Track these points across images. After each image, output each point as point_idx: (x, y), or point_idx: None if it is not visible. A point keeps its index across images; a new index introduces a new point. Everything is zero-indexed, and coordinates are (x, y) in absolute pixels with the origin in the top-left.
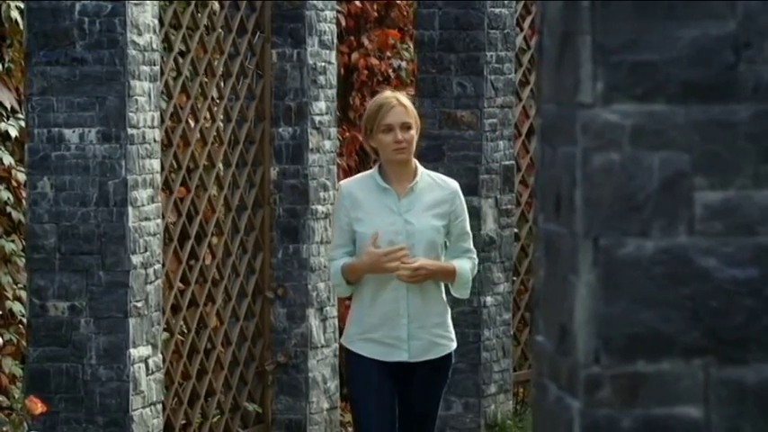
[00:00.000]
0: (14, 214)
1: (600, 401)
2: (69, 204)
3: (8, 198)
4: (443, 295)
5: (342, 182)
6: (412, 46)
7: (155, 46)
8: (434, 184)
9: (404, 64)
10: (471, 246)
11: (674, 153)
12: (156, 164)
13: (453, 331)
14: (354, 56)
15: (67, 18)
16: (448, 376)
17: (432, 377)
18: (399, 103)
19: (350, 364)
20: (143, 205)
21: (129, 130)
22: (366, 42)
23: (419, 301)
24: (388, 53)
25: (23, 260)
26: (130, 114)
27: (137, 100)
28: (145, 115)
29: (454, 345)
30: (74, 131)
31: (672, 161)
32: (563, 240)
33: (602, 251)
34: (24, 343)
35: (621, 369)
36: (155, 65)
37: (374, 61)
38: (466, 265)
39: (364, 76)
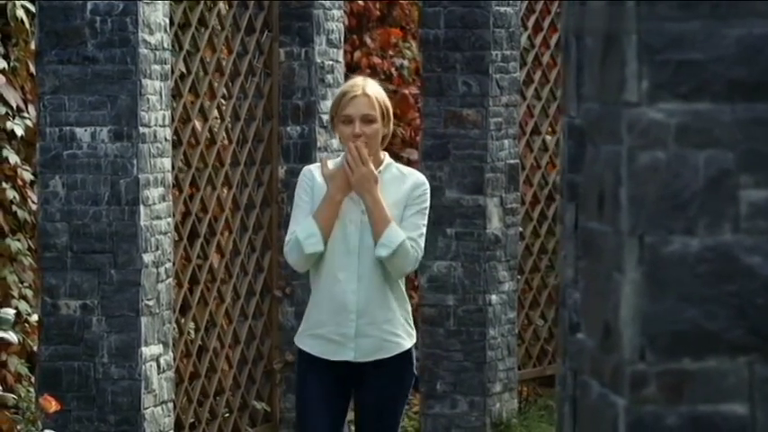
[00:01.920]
0: (20, 213)
1: (645, 399)
2: (81, 203)
3: (14, 197)
4: (402, 288)
5: (306, 166)
6: (414, 44)
7: (166, 45)
8: (400, 177)
9: (406, 62)
10: (419, 240)
11: (719, 151)
12: (167, 162)
13: (411, 327)
14: (357, 54)
15: (79, 17)
16: (405, 379)
17: (383, 380)
18: (364, 92)
19: (297, 362)
20: (154, 204)
21: (141, 129)
22: (368, 41)
23: (371, 295)
24: (391, 52)
25: (29, 259)
26: (142, 113)
27: (148, 99)
28: (156, 114)
29: (409, 343)
30: (85, 130)
31: (717, 159)
32: (606, 238)
33: (648, 249)
34: (30, 342)
35: (667, 366)
36: (166, 64)
37: (377, 60)
38: (402, 235)
39: (367, 75)
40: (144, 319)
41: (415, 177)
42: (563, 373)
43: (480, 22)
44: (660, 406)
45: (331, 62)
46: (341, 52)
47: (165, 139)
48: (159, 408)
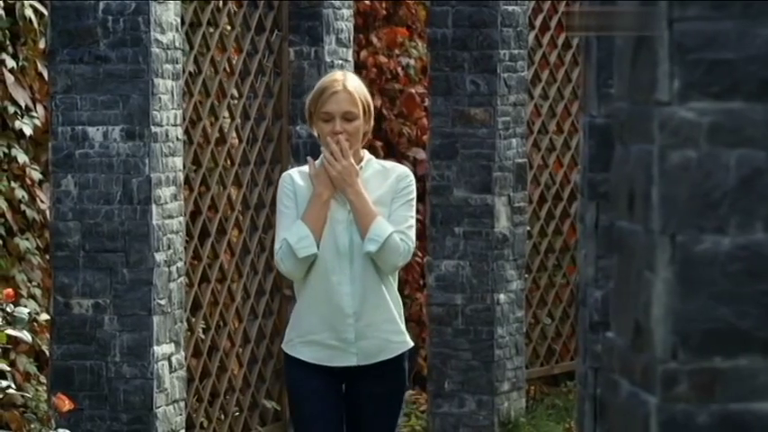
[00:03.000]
0: (29, 212)
1: (677, 397)
2: (93, 202)
3: (23, 196)
4: (395, 287)
5: (285, 172)
6: (420, 44)
7: (177, 44)
8: (383, 172)
9: (412, 62)
10: (408, 232)
11: (751, 150)
12: (178, 162)
13: (404, 327)
14: (363, 54)
15: (91, 16)
16: (406, 379)
17: (386, 382)
18: (344, 88)
19: (289, 370)
20: (166, 203)
21: (153, 128)
22: (375, 40)
23: (367, 296)
24: (397, 51)
25: (37, 258)
26: (154, 112)
27: (160, 98)
28: (168, 113)
29: (410, 341)
30: (97, 129)
31: (749, 158)
32: (636, 237)
33: (680, 248)
34: (38, 341)
35: (699, 365)
36: (177, 63)
37: (383, 59)
38: (389, 228)
39: (373, 74)
40: (156, 318)
41: (399, 170)
42: (583, 371)
43: (488, 22)
44: (692, 404)
45: (341, 61)
46: (350, 52)
47: (177, 139)
48: (171, 407)
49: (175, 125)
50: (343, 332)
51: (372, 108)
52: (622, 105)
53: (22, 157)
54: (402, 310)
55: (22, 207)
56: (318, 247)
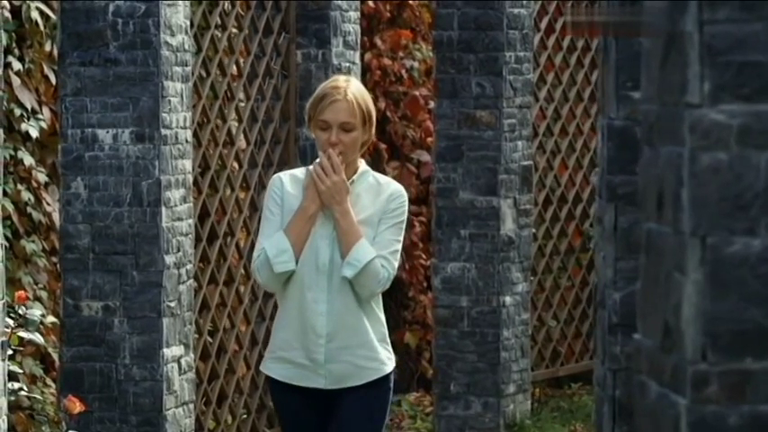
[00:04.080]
0: (35, 215)
1: (707, 398)
2: (103, 205)
3: (29, 198)
4: (378, 309)
5: (276, 174)
6: (424, 46)
7: (186, 47)
8: (376, 187)
9: (416, 64)
10: (391, 258)
11: None
12: (188, 164)
13: (388, 350)
14: (367, 56)
15: (101, 19)
16: (383, 407)
17: (358, 409)
18: (345, 97)
19: (270, 391)
20: (176, 205)
21: (163, 131)
22: (379, 43)
23: (343, 317)
24: (401, 53)
25: (43, 261)
26: (164, 115)
27: (170, 101)
28: (177, 116)
29: (388, 368)
30: (107, 132)
31: None
32: (666, 239)
33: (710, 249)
34: (44, 343)
35: (729, 366)
36: (186, 65)
37: (387, 61)
38: (371, 252)
39: (377, 77)
40: (166, 321)
41: (393, 188)
42: (602, 373)
43: (494, 24)
44: (722, 406)
45: (348, 64)
46: (357, 54)
47: (186, 141)
48: (180, 409)
49: (185, 128)
50: (313, 352)
51: (374, 116)
52: (650, 107)
53: (29, 160)
54: (386, 334)
55: (29, 209)
56: (297, 262)
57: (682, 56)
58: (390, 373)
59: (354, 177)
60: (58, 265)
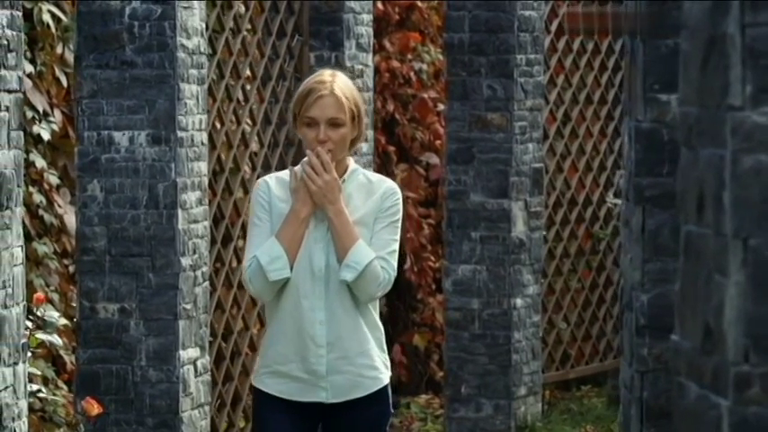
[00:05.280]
0: (47, 217)
1: (749, 400)
2: (119, 207)
3: (41, 201)
4: (375, 314)
5: (261, 178)
6: (432, 48)
7: (202, 49)
8: (368, 186)
9: (425, 66)
10: (389, 258)
11: None
12: (203, 166)
13: (386, 357)
14: (376, 59)
15: (117, 21)
16: (382, 420)
17: (362, 423)
18: (332, 92)
19: (254, 404)
20: (192, 207)
21: (179, 133)
22: (388, 45)
23: (342, 325)
24: (410, 56)
25: (55, 263)
26: (180, 117)
27: (185, 103)
28: (193, 118)
29: (386, 377)
30: (123, 134)
31: None
32: (706, 241)
33: (752, 251)
34: (56, 345)
35: None
36: (202, 68)
37: (396, 64)
38: (371, 254)
39: (386, 79)
40: (182, 323)
41: (386, 185)
42: (629, 375)
43: (505, 26)
44: (764, 407)
45: (361, 66)
46: (370, 56)
47: (202, 143)
48: (196, 411)
49: (200, 130)
50: (313, 364)
51: (363, 112)
52: (689, 110)
53: (40, 162)
54: (383, 341)
55: (40, 212)
56: (292, 269)
57: (723, 58)
58: (389, 382)
59: (345, 176)
60: (69, 268)
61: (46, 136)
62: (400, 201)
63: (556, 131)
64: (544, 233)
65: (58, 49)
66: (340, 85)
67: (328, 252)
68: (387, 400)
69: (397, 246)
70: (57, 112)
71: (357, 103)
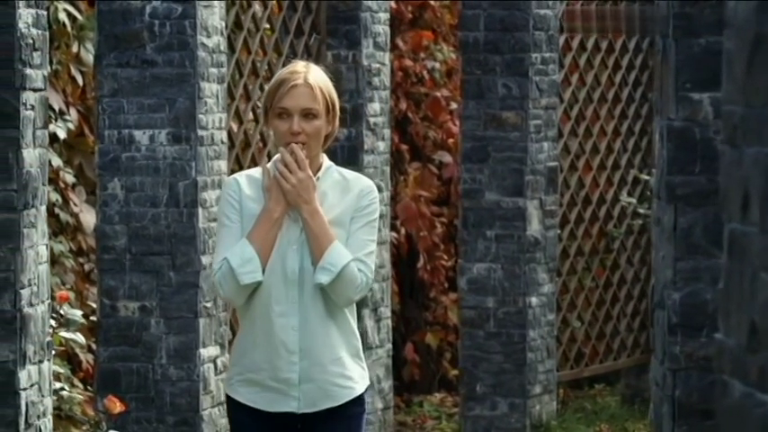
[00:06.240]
0: (62, 215)
1: None
2: (139, 205)
3: (56, 199)
4: (352, 320)
5: (231, 176)
6: (445, 47)
7: (222, 48)
8: (343, 183)
9: (437, 65)
10: (367, 260)
11: None
12: (223, 165)
13: (363, 366)
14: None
15: (138, 20)
16: (359, 429)
17: None
18: (305, 82)
19: (228, 413)
20: (212, 206)
21: (199, 132)
22: (400, 44)
23: (315, 331)
24: (422, 54)
25: (71, 261)
26: (200, 116)
27: (206, 102)
28: (213, 117)
29: (362, 386)
30: (144, 133)
31: None
32: (751, 239)
33: None
34: (72, 343)
35: None
36: (222, 66)
37: (408, 62)
38: (347, 256)
39: (399, 78)
40: (202, 321)
41: (362, 183)
42: (661, 373)
43: (520, 25)
44: None
45: (378, 65)
46: (387, 55)
47: (222, 142)
48: (216, 409)
49: (220, 128)
50: (285, 371)
51: (337, 106)
52: (734, 108)
53: (56, 161)
54: (359, 348)
55: (56, 210)
56: (264, 272)
57: None
58: (364, 392)
59: (319, 174)
60: (85, 266)
61: (62, 135)
62: (377, 199)
63: (570, 130)
64: (558, 232)
65: (74, 48)
66: (314, 76)
67: (302, 254)
68: (360, 412)
69: (374, 247)
70: (72, 111)
71: (332, 97)
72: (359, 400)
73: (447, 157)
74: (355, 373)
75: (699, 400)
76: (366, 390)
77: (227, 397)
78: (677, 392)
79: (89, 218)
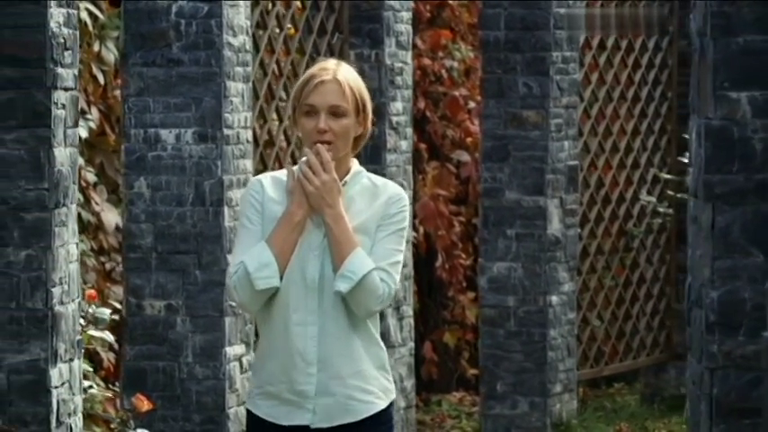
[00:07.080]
0: (84, 214)
1: None
2: (166, 204)
3: (78, 198)
4: (375, 331)
5: (255, 177)
6: (463, 46)
7: (248, 47)
8: (372, 189)
9: (456, 64)
10: (391, 270)
11: None
12: (248, 164)
13: (389, 380)
14: None
15: (164, 19)
16: None
17: None
18: (334, 78)
19: (247, 429)
20: (237, 205)
21: (225, 131)
22: (419, 43)
23: (335, 341)
24: (441, 53)
25: (92, 260)
26: (226, 115)
27: (231, 101)
28: (239, 116)
29: (385, 402)
30: (170, 132)
31: None
32: None
33: None
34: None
35: None
36: (247, 66)
37: (427, 61)
38: (370, 264)
39: (417, 77)
40: (228, 320)
41: (391, 190)
42: (698, 372)
43: (540, 24)
44: None
45: (400, 64)
46: (410, 54)
47: (247, 141)
48: (242, 407)
49: (246, 127)
50: (301, 383)
51: (369, 107)
52: None
53: (78, 160)
54: (385, 360)
55: (78, 209)
56: (282, 278)
57: None
58: (389, 407)
59: (347, 178)
60: (106, 265)
61: (83, 134)
62: (407, 208)
63: (590, 129)
64: (578, 230)
65: (95, 47)
66: (344, 73)
67: (324, 261)
68: (384, 429)
69: (401, 257)
70: (94, 110)
71: (362, 96)
72: (383, 417)
73: (465, 156)
74: (378, 387)
75: (737, 399)
76: (391, 404)
77: (247, 411)
78: (715, 391)
79: (110, 217)
